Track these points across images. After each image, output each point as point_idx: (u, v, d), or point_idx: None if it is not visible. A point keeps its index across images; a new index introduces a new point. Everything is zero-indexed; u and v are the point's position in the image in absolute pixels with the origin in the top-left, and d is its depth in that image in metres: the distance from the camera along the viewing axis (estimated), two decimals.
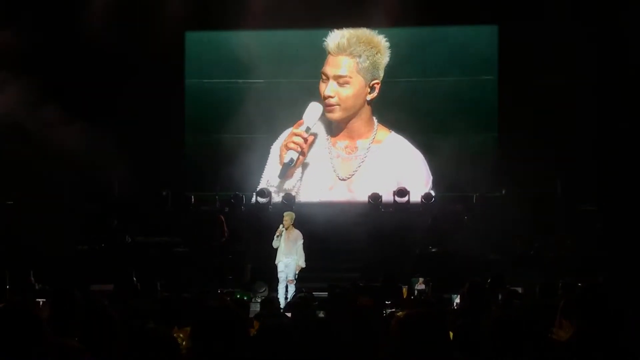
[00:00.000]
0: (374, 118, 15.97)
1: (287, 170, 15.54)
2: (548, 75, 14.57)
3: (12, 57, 13.82)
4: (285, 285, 12.87)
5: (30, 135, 13.77)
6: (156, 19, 15.13)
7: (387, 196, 15.38)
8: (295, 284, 12.82)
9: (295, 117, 15.93)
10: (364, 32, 15.62)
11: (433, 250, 14.26)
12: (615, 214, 14.05)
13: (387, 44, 15.60)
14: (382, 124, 15.99)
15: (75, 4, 14.88)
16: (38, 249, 13.08)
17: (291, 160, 15.38)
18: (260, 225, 13.97)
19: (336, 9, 15.40)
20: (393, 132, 15.99)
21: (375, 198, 15.30)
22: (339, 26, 15.74)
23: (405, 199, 15.28)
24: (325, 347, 3.77)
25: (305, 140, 15.47)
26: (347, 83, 15.53)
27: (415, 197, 15.29)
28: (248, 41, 15.88)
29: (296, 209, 14.72)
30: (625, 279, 11.00)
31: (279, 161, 15.70)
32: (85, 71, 14.97)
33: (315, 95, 15.76)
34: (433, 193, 15.46)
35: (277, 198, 15.53)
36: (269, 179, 15.80)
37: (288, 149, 15.48)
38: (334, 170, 15.98)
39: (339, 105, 15.58)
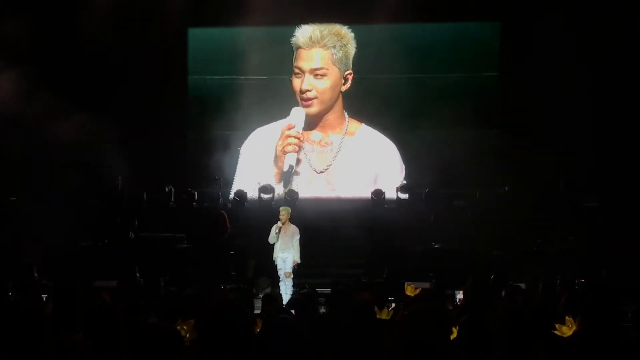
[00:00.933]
0: (344, 111, 16.05)
1: (289, 177, 15.54)
2: (549, 71, 14.57)
3: (14, 51, 13.83)
4: (284, 280, 12.88)
5: (33, 131, 13.79)
6: (159, 15, 15.12)
7: (366, 188, 15.49)
8: (294, 279, 12.82)
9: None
10: (331, 25, 15.77)
11: (436, 246, 14.25)
12: (618, 210, 14.03)
13: (352, 34, 15.77)
14: (352, 117, 16.07)
15: (79, 3, 14.85)
16: (41, 245, 13.12)
17: (290, 167, 15.44)
18: (263, 221, 13.96)
19: (338, 5, 15.41)
20: (363, 124, 16.10)
21: (378, 194, 15.31)
22: (341, 22, 15.75)
23: (408, 194, 15.30)
24: (328, 343, 3.77)
25: (300, 139, 15.44)
26: (324, 75, 15.62)
27: (392, 187, 15.46)
28: (250, 37, 15.86)
29: (299, 205, 14.74)
30: (627, 275, 11.00)
31: (274, 171, 15.70)
32: (87, 67, 14.98)
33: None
34: (405, 182, 15.59)
35: (280, 193, 15.56)
36: (260, 180, 15.68)
37: (286, 152, 15.46)
38: (310, 165, 16.00)
39: (316, 98, 15.65)
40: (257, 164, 15.98)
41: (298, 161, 15.72)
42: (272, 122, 16.05)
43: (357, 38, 15.94)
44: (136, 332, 3.37)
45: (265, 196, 15.48)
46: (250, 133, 16.12)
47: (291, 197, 15.23)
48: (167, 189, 15.56)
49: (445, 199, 15.23)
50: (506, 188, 14.96)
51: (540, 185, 14.62)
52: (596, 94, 14.58)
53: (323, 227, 14.51)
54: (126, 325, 3.88)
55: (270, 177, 15.85)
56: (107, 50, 14.82)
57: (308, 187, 15.95)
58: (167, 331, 3.34)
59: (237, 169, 16.07)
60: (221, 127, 16.08)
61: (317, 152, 16.05)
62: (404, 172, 15.87)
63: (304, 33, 15.65)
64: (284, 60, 16.05)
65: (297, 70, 15.66)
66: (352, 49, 15.74)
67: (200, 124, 16.38)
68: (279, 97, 15.94)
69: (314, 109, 15.67)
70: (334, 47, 15.60)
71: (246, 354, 3.22)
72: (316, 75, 15.59)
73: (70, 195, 13.97)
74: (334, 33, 15.66)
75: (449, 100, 15.16)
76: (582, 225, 14.04)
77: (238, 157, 16.11)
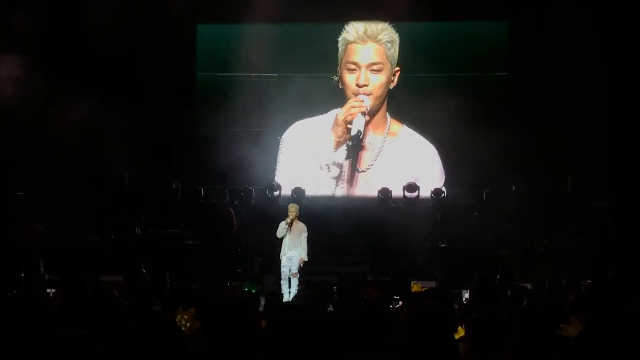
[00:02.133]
0: (387, 111, 16.01)
1: (357, 141, 15.43)
2: (558, 72, 14.54)
3: (22, 49, 13.87)
4: (288, 279, 12.87)
5: (40, 127, 13.83)
6: (167, 11, 15.14)
7: (400, 189, 15.37)
8: (299, 278, 12.81)
9: (307, 111, 15.98)
10: (380, 23, 15.67)
11: (442, 245, 14.24)
12: (625, 211, 14.00)
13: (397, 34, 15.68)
14: (394, 118, 15.98)
15: None
16: (48, 239, 13.16)
17: (359, 131, 15.26)
18: (269, 218, 13.97)
19: (348, 3, 15.38)
20: (405, 126, 15.99)
21: (385, 193, 15.29)
22: (351, 20, 15.72)
23: (415, 194, 15.27)
24: (334, 339, 3.78)
25: (366, 107, 15.34)
26: (380, 70, 15.54)
27: (428, 191, 15.28)
28: (258, 34, 15.81)
29: (305, 203, 14.73)
30: (634, 276, 10.97)
31: (333, 139, 15.64)
32: (95, 63, 14.99)
33: (327, 89, 15.74)
34: (444, 189, 15.44)
35: (287, 191, 15.55)
36: (323, 161, 15.72)
37: (350, 119, 15.32)
38: (351, 163, 15.91)
39: (371, 94, 15.53)
40: (298, 156, 15.99)
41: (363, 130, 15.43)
42: (282, 119, 16.00)
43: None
44: (139, 323, 3.39)
45: (271, 193, 15.48)
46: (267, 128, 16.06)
47: (298, 195, 15.22)
48: (174, 186, 15.58)
49: (452, 198, 15.21)
50: (513, 187, 14.93)
51: (548, 185, 14.58)
52: (605, 93, 14.54)
53: (329, 225, 14.50)
54: (132, 319, 3.89)
55: (324, 182, 15.79)
56: (115, 46, 14.83)
57: (347, 186, 15.90)
58: (167, 322, 3.36)
59: (278, 159, 16.05)
60: (229, 124, 16.08)
61: (361, 151, 15.91)
62: (444, 177, 15.73)
63: (357, 28, 15.55)
64: (293, 57, 16.00)
65: (351, 66, 15.52)
66: (397, 45, 15.67)
67: (207, 120, 16.37)
68: (288, 94, 15.87)
69: (368, 104, 15.57)
70: (388, 42, 15.53)
71: (251, 347, 3.23)
72: (372, 70, 15.51)
73: (77, 190, 14.00)
74: (384, 28, 15.58)
75: (456, 99, 15.11)
76: (589, 226, 14.01)
77: (279, 146, 16.06)
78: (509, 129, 15.41)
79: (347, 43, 15.60)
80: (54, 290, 8.83)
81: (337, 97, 15.84)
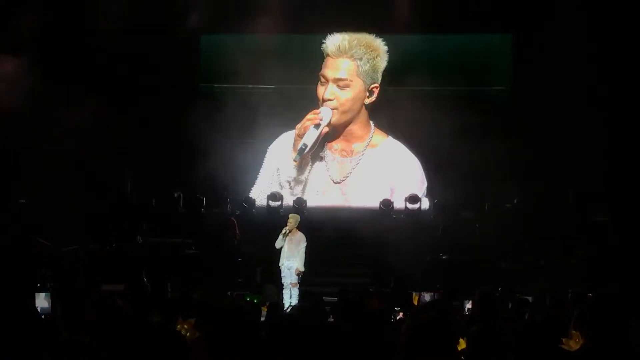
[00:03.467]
0: (371, 122, 15.95)
1: (302, 154, 15.43)
2: (561, 83, 14.55)
3: (25, 59, 13.91)
4: (289, 289, 12.92)
5: (44, 135, 13.84)
6: (171, 22, 15.19)
7: (378, 200, 15.34)
8: (300, 288, 12.85)
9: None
10: (364, 35, 15.57)
11: (444, 257, 14.24)
12: (627, 224, 13.99)
13: (386, 47, 15.57)
14: (380, 129, 15.95)
15: (91, 7, 14.90)
16: (51, 248, 13.18)
17: (304, 145, 15.27)
18: (271, 228, 13.99)
19: (349, 15, 15.38)
20: (390, 137, 15.96)
21: (386, 204, 15.29)
22: (351, 32, 15.71)
23: (417, 205, 15.27)
24: (335, 350, 3.78)
25: (319, 118, 15.32)
26: (347, 86, 15.49)
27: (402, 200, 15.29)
28: (259, 46, 15.82)
29: (307, 214, 14.75)
30: (636, 290, 10.94)
31: (292, 155, 15.64)
32: (98, 73, 15.01)
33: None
34: (425, 198, 15.47)
35: (289, 201, 15.54)
36: (283, 177, 15.72)
37: (303, 131, 15.32)
38: (329, 174, 15.94)
39: (337, 108, 15.53)
40: (281, 166, 15.95)
41: (316, 143, 15.41)
42: (281, 131, 16.02)
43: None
44: (141, 333, 3.40)
45: (273, 204, 15.48)
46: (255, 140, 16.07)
47: (299, 205, 15.23)
48: (175, 195, 15.59)
49: (453, 211, 15.21)
50: (515, 200, 14.94)
51: (549, 198, 14.58)
52: (608, 107, 14.55)
53: (330, 236, 14.53)
54: (135, 327, 3.90)
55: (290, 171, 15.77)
56: (118, 56, 14.88)
57: (321, 197, 15.89)
58: (169, 331, 3.36)
59: (261, 168, 16.05)
60: (230, 135, 16.10)
61: (337, 162, 15.95)
62: (424, 186, 15.68)
63: (333, 41, 15.49)
64: (293, 69, 15.96)
65: (322, 78, 15.54)
66: (382, 61, 15.51)
67: (209, 131, 16.34)
68: (286, 106, 15.87)
69: (334, 118, 15.55)
70: (361, 59, 15.40)
71: (252, 356, 3.23)
72: (339, 85, 15.48)
73: (79, 199, 14.01)
74: (364, 45, 15.44)
75: (458, 112, 15.13)
76: (590, 239, 14.00)
77: (264, 156, 16.06)
78: (510, 141, 15.44)
79: (325, 54, 15.62)
80: (56, 298, 8.82)
81: None
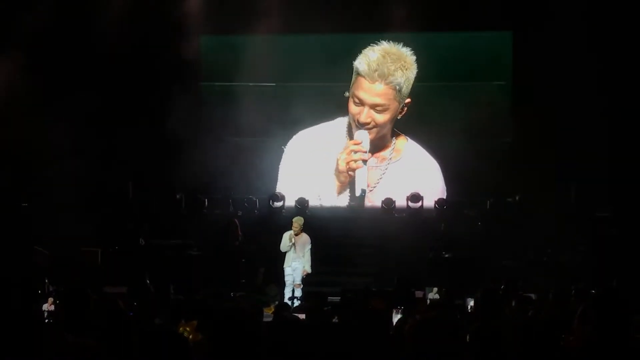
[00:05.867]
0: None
1: (361, 200, 15.41)
2: (561, 79, 14.54)
3: (25, 58, 13.91)
4: (292, 289, 12.97)
5: (44, 137, 13.84)
6: (172, 21, 15.20)
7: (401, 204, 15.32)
8: (303, 288, 12.90)
9: (307, 120, 15.91)
10: (394, 51, 15.26)
11: (446, 255, 14.23)
12: (630, 221, 13.98)
13: (414, 57, 15.33)
14: (396, 129, 15.91)
15: (92, 7, 14.89)
16: (49, 250, 13.20)
17: (363, 191, 15.19)
18: (273, 229, 14.00)
19: (349, 14, 15.38)
20: (409, 140, 15.92)
21: (388, 203, 15.27)
22: (352, 31, 15.68)
23: (419, 204, 15.26)
24: (338, 350, 3.78)
25: (366, 157, 15.27)
26: (385, 110, 15.29)
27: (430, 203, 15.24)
28: (260, 44, 15.81)
29: (309, 214, 14.75)
30: (638, 285, 10.93)
31: (336, 184, 15.59)
32: (99, 72, 15.00)
33: (326, 97, 15.75)
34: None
35: (290, 202, 15.53)
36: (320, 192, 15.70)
37: (352, 168, 15.21)
38: (358, 184, 15.59)
39: (374, 128, 15.39)
40: (302, 166, 15.94)
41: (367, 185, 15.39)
42: (282, 128, 15.99)
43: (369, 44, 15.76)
44: (143, 335, 3.40)
45: (275, 204, 15.48)
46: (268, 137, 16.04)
47: (301, 205, 15.23)
48: (178, 196, 15.59)
49: (455, 208, 15.20)
50: (517, 197, 14.92)
51: (551, 195, 14.57)
52: (609, 102, 14.53)
53: (333, 236, 14.52)
54: (137, 329, 3.90)
55: (331, 189, 15.70)
56: (120, 57, 14.88)
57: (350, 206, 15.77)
58: (172, 333, 3.36)
59: (280, 168, 15.97)
60: (231, 134, 16.10)
61: (366, 169, 15.66)
62: (445, 193, 15.61)
63: (369, 63, 15.12)
64: (293, 67, 15.93)
65: (357, 100, 15.27)
66: (413, 74, 15.33)
67: (210, 130, 16.35)
68: (287, 103, 15.82)
69: (371, 136, 15.40)
70: (400, 82, 15.16)
71: (254, 357, 3.23)
72: (376, 110, 15.28)
73: (81, 201, 14.01)
74: (398, 65, 15.15)
75: (460, 109, 15.12)
76: (593, 236, 13.99)
77: (282, 155, 15.99)
78: (512, 138, 15.44)
79: (358, 74, 15.30)
80: (58, 301, 8.82)
81: (341, 106, 15.80)
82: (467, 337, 3.91)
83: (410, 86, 15.37)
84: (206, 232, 14.76)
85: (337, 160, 15.56)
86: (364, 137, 15.24)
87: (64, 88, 14.13)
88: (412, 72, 15.32)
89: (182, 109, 15.38)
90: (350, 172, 15.36)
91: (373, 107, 15.27)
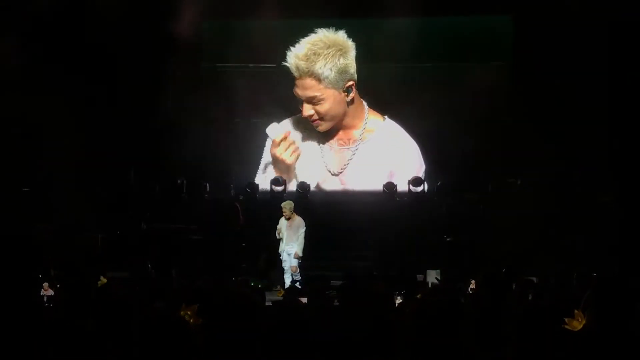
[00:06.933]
0: (365, 104, 15.68)
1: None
2: (563, 61, 14.48)
3: (25, 38, 13.87)
4: (290, 274, 13.03)
5: (44, 123, 13.83)
6: (173, 5, 15.15)
7: (378, 187, 15.22)
8: (303, 272, 12.95)
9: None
10: (321, 39, 15.02)
11: (448, 239, 14.24)
12: (632, 205, 13.96)
13: (346, 36, 15.07)
14: (375, 108, 15.71)
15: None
16: (53, 232, 13.22)
17: (302, 185, 15.27)
18: (274, 213, 14.00)
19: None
20: (387, 118, 15.75)
21: (390, 187, 15.26)
22: (352, 16, 15.58)
23: (421, 188, 15.24)
24: (340, 333, 3.78)
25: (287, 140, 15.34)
26: (321, 100, 15.13)
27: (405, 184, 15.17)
28: (260, 26, 15.73)
29: (310, 198, 14.76)
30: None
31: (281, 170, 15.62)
32: (99, 58, 14.96)
33: None
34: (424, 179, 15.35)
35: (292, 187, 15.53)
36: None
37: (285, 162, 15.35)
38: (326, 165, 15.77)
39: (322, 119, 15.33)
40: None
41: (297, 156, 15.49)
42: (284, 110, 15.93)
43: (369, 28, 15.63)
44: (144, 319, 3.40)
45: (276, 188, 15.47)
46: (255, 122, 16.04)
47: (303, 190, 15.22)
48: (179, 181, 15.59)
49: (457, 192, 15.18)
50: (518, 181, 14.90)
51: (553, 178, 14.55)
52: (611, 85, 14.48)
53: (334, 220, 14.53)
54: (138, 314, 3.90)
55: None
56: (118, 41, 14.82)
57: (321, 187, 15.76)
58: (172, 317, 3.36)
59: (263, 155, 15.92)
60: (233, 117, 16.05)
61: (334, 152, 15.78)
62: (423, 169, 15.51)
63: (291, 59, 14.99)
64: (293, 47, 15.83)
65: (296, 96, 15.28)
66: (349, 56, 15.04)
67: (211, 114, 16.28)
68: (290, 84, 15.72)
69: (324, 126, 15.38)
70: (323, 72, 14.93)
71: (254, 342, 3.23)
72: (313, 102, 15.19)
73: (82, 187, 14.02)
74: (322, 53, 14.88)
75: (461, 91, 15.07)
76: (596, 220, 13.97)
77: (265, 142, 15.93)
78: (513, 121, 15.39)
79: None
80: (59, 286, 8.83)
81: None
82: (468, 319, 3.91)
83: (348, 68, 15.07)
84: (207, 217, 14.77)
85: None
86: (272, 132, 15.31)
87: (62, 72, 14.08)
88: (345, 53, 15.03)
89: (183, 93, 15.36)
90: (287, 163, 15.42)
91: (309, 101, 15.20)
